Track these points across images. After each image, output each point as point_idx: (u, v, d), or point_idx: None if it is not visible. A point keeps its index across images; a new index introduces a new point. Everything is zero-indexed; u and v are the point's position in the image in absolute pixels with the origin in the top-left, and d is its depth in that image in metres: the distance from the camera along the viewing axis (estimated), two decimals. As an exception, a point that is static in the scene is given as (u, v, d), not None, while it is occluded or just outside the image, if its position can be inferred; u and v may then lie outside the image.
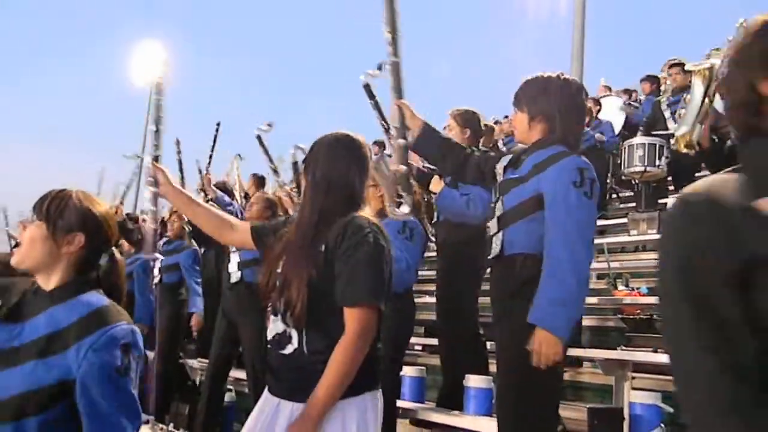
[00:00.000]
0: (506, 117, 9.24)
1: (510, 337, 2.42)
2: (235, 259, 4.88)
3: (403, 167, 2.81)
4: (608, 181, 7.74)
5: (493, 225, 2.59)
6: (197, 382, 6.07)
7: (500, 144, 8.21)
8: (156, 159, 2.46)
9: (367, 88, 4.11)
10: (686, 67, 4.03)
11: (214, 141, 6.85)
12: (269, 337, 2.05)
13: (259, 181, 8.10)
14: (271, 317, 2.05)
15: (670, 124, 6.50)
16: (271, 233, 2.26)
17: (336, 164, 2.06)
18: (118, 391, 1.55)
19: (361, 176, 2.10)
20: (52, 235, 1.66)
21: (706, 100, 3.55)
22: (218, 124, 6.86)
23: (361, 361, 1.90)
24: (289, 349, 1.98)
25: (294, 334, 1.97)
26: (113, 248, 1.81)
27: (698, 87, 3.58)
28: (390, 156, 3.63)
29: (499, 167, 2.66)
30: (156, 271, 5.29)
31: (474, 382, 3.60)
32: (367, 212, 2.05)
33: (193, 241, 5.95)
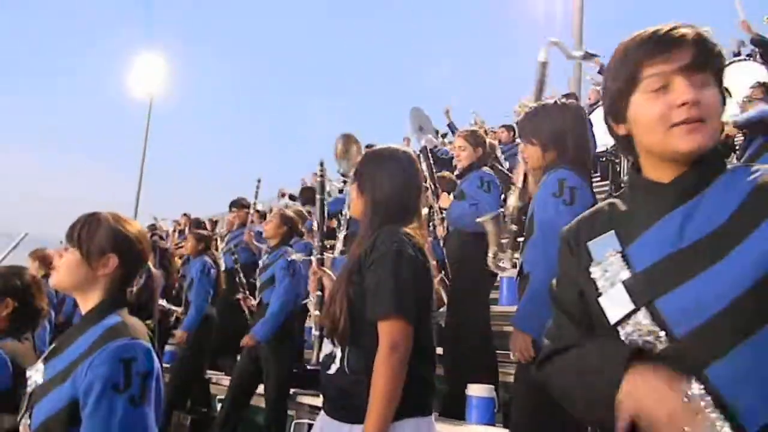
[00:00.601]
0: (504, 126, 9.28)
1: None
2: (258, 282, 4.97)
3: (514, 227, 2.90)
4: (605, 188, 7.77)
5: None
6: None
7: (499, 152, 8.25)
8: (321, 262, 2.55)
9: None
10: None
11: (256, 196, 7.08)
12: (321, 357, 2.06)
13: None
14: (326, 339, 2.04)
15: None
16: None
17: (393, 180, 2.03)
18: (112, 413, 1.49)
19: (417, 190, 2.09)
20: (86, 259, 1.70)
21: None
22: (259, 180, 7.09)
23: (402, 378, 1.83)
24: (332, 369, 1.96)
25: (338, 353, 1.95)
26: (149, 265, 1.85)
27: None
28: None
29: None
30: None
31: (476, 391, 3.61)
32: (413, 225, 2.00)
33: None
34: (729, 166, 1.18)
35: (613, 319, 1.15)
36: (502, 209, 2.94)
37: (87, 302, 1.71)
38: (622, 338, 1.12)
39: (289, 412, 4.74)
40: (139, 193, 21.69)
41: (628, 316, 1.12)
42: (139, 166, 22.00)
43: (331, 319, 1.93)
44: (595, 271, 1.20)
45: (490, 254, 3.01)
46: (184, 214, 9.38)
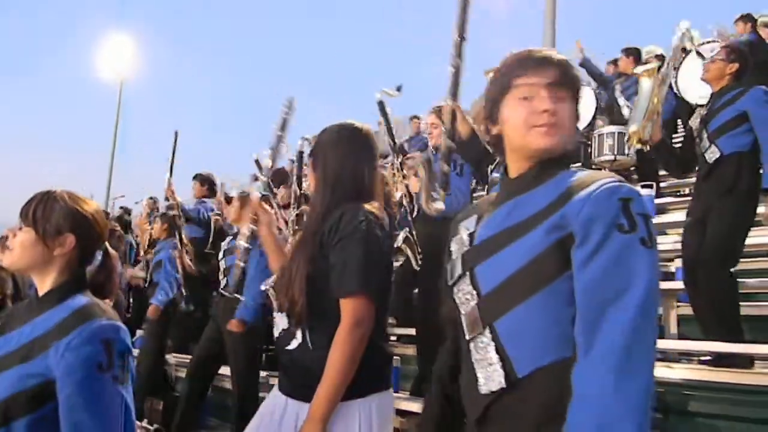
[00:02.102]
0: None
1: None
2: (222, 265, 4.86)
3: (447, 167, 2.84)
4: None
5: None
6: (172, 378, 6.07)
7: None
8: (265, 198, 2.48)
9: (380, 105, 4.20)
10: (635, 70, 4.25)
11: (174, 151, 6.77)
12: (276, 333, 2.02)
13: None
14: (276, 314, 2.02)
15: (625, 111, 6.63)
16: None
17: (344, 158, 2.01)
18: (97, 394, 1.50)
19: (370, 168, 2.05)
20: (42, 238, 1.66)
21: (655, 98, 3.70)
22: (176, 133, 6.79)
23: (360, 355, 1.83)
24: (293, 344, 1.94)
25: (298, 329, 1.94)
26: (106, 245, 1.81)
27: (646, 85, 3.71)
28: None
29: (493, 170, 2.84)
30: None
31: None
32: (374, 204, 1.99)
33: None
34: (570, 169, 1.43)
35: (449, 281, 1.49)
36: (430, 152, 2.97)
37: (44, 283, 1.68)
38: (455, 295, 1.46)
39: (261, 395, 4.73)
40: (110, 178, 21.38)
41: (458, 279, 1.45)
42: (110, 150, 21.66)
43: (290, 299, 1.91)
44: (453, 244, 1.54)
45: (423, 195, 3.04)
46: (150, 198, 9.26)
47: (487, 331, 1.35)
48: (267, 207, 2.37)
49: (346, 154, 2.02)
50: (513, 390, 1.30)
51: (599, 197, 1.29)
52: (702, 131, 3.83)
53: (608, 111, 7.14)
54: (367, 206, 1.95)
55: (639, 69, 3.87)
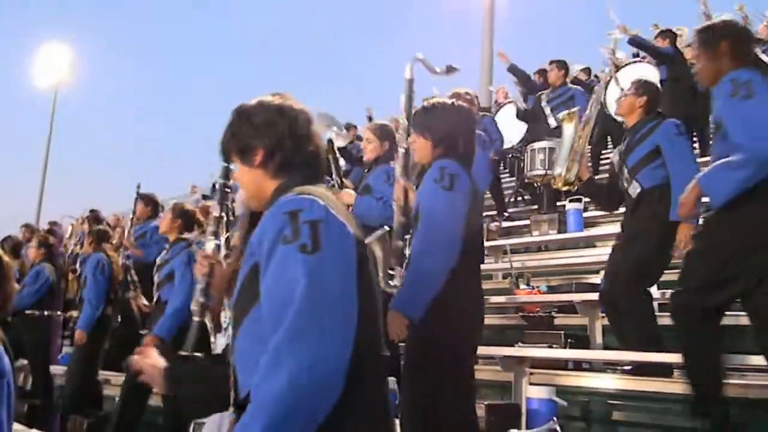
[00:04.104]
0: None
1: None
2: (156, 279, 4.75)
3: (400, 243, 2.94)
4: (512, 183, 7.99)
5: None
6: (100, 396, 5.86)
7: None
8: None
9: (329, 143, 4.25)
10: (558, 116, 4.50)
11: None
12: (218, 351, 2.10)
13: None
14: (217, 333, 2.10)
15: (551, 120, 6.79)
16: None
17: None
18: None
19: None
20: None
21: (579, 140, 3.82)
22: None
23: None
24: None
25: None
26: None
27: (568, 130, 3.82)
28: None
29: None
30: None
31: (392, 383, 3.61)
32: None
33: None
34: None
35: None
36: (386, 228, 2.99)
37: None
38: None
39: (191, 412, 4.59)
40: (42, 190, 20.67)
41: None
42: (42, 162, 20.94)
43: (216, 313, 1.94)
44: None
45: (380, 274, 3.02)
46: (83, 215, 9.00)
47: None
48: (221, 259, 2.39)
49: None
50: (241, 412, 1.30)
51: (267, 217, 1.39)
52: (622, 167, 3.92)
53: (533, 118, 7.27)
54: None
55: (560, 115, 3.99)
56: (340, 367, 1.24)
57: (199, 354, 2.11)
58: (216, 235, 2.53)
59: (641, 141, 3.82)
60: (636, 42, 7.43)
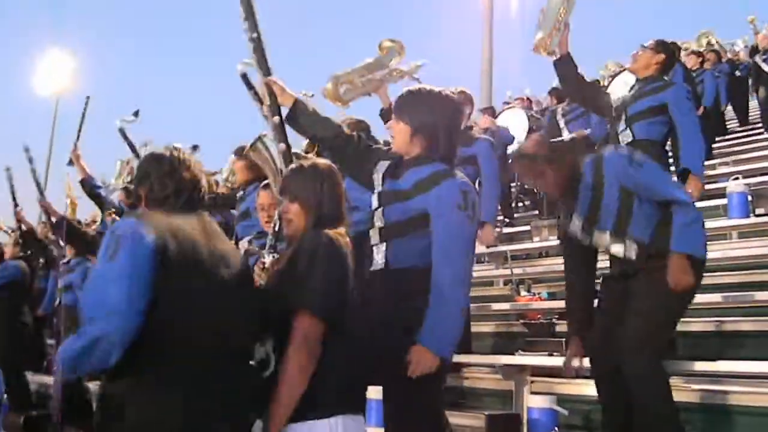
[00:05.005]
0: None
1: (392, 349, 2.41)
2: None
3: (283, 145, 2.79)
4: (513, 189, 7.95)
5: (374, 234, 2.57)
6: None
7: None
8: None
9: (244, 77, 4.12)
10: None
11: (83, 117, 6.49)
12: (254, 363, 2.07)
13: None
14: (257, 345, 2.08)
15: (565, 134, 6.81)
16: None
17: (322, 190, 2.17)
18: None
19: (340, 197, 2.23)
20: None
21: (563, 8, 3.73)
22: (87, 98, 6.53)
23: (308, 372, 1.91)
24: (267, 373, 2.01)
25: (272, 357, 2.00)
26: None
27: None
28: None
29: (377, 175, 2.64)
30: None
31: (377, 393, 3.56)
32: (339, 230, 2.11)
33: None
34: None
35: None
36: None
37: None
38: None
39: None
40: (43, 195, 20.57)
41: None
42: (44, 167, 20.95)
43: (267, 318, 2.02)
44: None
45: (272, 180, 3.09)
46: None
47: None
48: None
49: (323, 186, 2.18)
50: None
51: None
52: (621, 113, 3.92)
53: (549, 132, 7.29)
54: (331, 231, 2.07)
55: None
56: (117, 342, 1.73)
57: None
58: (275, 249, 2.65)
59: (648, 94, 3.85)
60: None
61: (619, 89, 4.52)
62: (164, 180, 2.00)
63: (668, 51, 4.01)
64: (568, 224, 3.07)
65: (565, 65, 3.89)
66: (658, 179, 2.95)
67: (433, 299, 2.36)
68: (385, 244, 2.52)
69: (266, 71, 2.79)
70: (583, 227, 3.02)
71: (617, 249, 2.96)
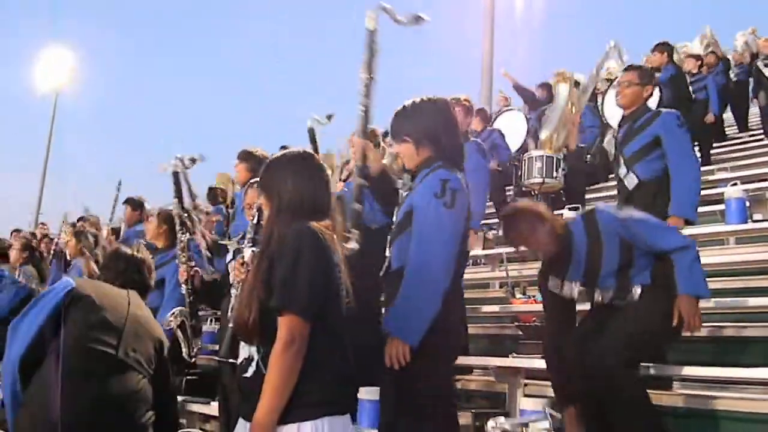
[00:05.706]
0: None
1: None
2: None
3: (359, 205, 2.84)
4: (510, 192, 7.93)
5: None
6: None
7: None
8: None
9: (311, 132, 4.19)
10: (553, 73, 4.33)
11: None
12: (238, 362, 2.05)
13: None
14: (242, 344, 2.04)
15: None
16: None
17: (300, 183, 2.06)
18: None
19: (324, 189, 2.12)
20: None
21: (570, 105, 3.71)
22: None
23: (295, 372, 1.86)
24: (249, 372, 1.97)
25: (255, 356, 1.96)
26: None
27: (563, 90, 3.70)
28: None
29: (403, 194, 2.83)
30: None
31: (368, 394, 3.53)
32: (324, 223, 2.01)
33: None
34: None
35: None
36: (342, 190, 2.93)
37: None
38: None
39: (180, 421, 4.52)
40: (42, 192, 20.74)
41: None
42: (42, 164, 21.03)
43: (242, 319, 1.93)
44: None
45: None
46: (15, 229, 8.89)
47: None
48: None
49: (302, 178, 2.07)
50: None
51: None
52: (619, 157, 3.84)
53: (536, 134, 7.29)
54: (314, 224, 1.97)
55: (553, 73, 3.89)
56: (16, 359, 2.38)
57: (233, 360, 2.15)
58: (254, 242, 2.61)
59: (640, 131, 3.74)
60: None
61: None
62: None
63: (653, 80, 3.92)
64: (555, 287, 3.08)
65: (574, 157, 3.99)
66: (649, 232, 2.89)
67: (402, 287, 2.42)
68: (390, 247, 2.63)
69: (364, 135, 2.92)
70: (580, 292, 3.02)
71: (620, 302, 2.96)
